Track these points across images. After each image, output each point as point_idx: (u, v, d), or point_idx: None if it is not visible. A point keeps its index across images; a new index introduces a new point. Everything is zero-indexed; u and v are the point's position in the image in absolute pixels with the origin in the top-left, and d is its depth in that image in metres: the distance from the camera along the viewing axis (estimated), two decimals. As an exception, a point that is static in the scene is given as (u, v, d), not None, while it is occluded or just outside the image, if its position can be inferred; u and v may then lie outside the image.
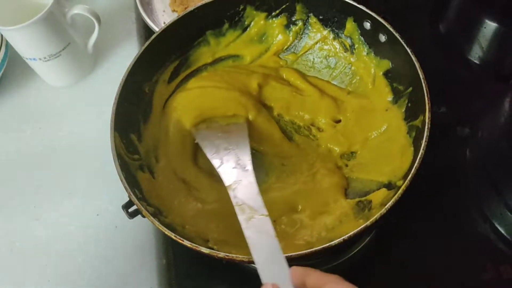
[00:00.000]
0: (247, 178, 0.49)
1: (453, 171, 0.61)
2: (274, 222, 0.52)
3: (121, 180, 0.48)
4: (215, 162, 0.52)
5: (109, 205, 0.61)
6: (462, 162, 0.62)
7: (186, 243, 0.44)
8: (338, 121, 0.58)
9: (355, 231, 0.42)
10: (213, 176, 0.56)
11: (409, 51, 0.51)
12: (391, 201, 0.43)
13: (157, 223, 0.45)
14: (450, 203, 0.59)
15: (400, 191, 0.44)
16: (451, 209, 0.59)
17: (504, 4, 0.77)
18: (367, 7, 0.56)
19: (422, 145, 0.46)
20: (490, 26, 0.73)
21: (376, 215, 0.43)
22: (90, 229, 0.60)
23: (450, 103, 0.66)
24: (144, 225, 0.57)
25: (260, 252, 0.40)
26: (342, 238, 0.42)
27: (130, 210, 0.48)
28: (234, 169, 0.50)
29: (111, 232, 0.59)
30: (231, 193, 0.47)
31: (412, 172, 0.45)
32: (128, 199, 0.48)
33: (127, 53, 0.74)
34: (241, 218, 0.44)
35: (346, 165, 0.56)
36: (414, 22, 0.77)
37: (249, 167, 0.50)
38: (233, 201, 0.46)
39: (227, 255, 0.43)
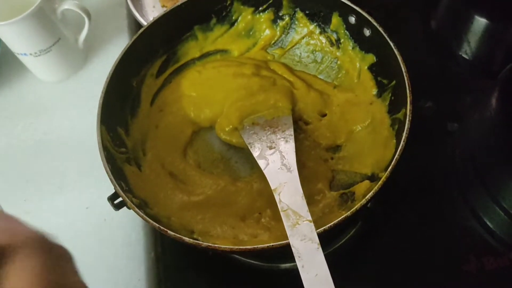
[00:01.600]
0: (292, 180, 0.48)
1: (441, 165, 0.62)
2: (259, 214, 0.52)
3: (107, 173, 0.48)
4: (261, 163, 0.51)
5: (98, 198, 0.61)
6: (450, 156, 0.63)
7: (170, 233, 0.44)
8: (324, 115, 0.59)
9: (335, 221, 0.43)
10: (201, 169, 0.57)
11: (392, 45, 0.52)
12: (372, 191, 0.44)
13: (141, 214, 0.46)
14: (437, 197, 0.59)
15: (380, 182, 0.44)
16: (438, 203, 0.59)
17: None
18: (352, 2, 0.56)
19: (403, 137, 0.46)
20: (478, 21, 0.73)
21: (357, 205, 0.43)
22: (79, 222, 0.60)
23: (438, 98, 0.66)
24: (132, 218, 0.58)
25: (308, 268, 0.40)
26: (323, 228, 0.43)
27: (116, 201, 0.49)
28: (279, 170, 0.50)
29: (99, 225, 0.60)
30: (276, 197, 0.47)
31: (392, 163, 0.45)
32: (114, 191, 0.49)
33: (118, 48, 0.73)
34: (286, 224, 0.44)
35: (332, 158, 0.56)
36: (405, 17, 0.77)
37: (294, 167, 0.50)
38: (279, 205, 0.46)
39: (210, 245, 0.44)
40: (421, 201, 0.59)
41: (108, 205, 0.50)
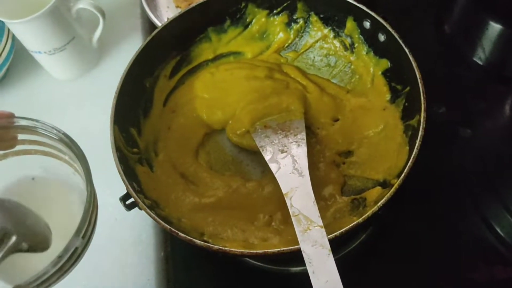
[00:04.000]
0: (304, 185, 0.48)
1: (452, 172, 0.61)
2: (270, 217, 0.52)
3: (119, 173, 0.49)
4: (273, 167, 0.51)
5: (109, 197, 0.61)
6: (462, 162, 0.62)
7: (181, 235, 0.44)
8: (337, 120, 0.59)
9: (347, 227, 0.43)
10: (212, 171, 0.57)
11: (407, 50, 0.52)
12: (384, 198, 0.44)
13: (153, 215, 0.46)
14: (449, 203, 0.59)
15: (393, 189, 0.44)
16: (449, 209, 0.59)
17: (508, 6, 0.76)
18: (371, 7, 0.56)
19: (416, 144, 0.46)
20: (493, 27, 0.73)
21: (368, 212, 0.43)
22: (90, 220, 0.61)
23: (451, 103, 0.66)
24: (143, 218, 0.58)
25: (318, 274, 0.40)
26: (334, 234, 0.43)
27: (127, 202, 0.49)
28: (291, 175, 0.50)
29: (110, 224, 0.60)
30: (288, 201, 0.47)
31: (405, 171, 0.45)
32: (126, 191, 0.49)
33: (131, 47, 0.74)
34: (297, 230, 0.44)
35: (343, 163, 0.56)
36: (419, 22, 0.77)
37: (306, 172, 0.49)
38: (290, 210, 0.46)
39: (220, 248, 0.44)
40: (431, 207, 0.58)
41: (119, 205, 0.50)
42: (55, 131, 0.44)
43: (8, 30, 0.71)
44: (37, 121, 0.45)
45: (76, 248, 0.39)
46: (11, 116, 0.45)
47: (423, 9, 0.79)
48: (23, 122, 0.45)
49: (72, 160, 0.46)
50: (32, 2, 0.65)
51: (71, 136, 0.45)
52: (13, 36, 0.71)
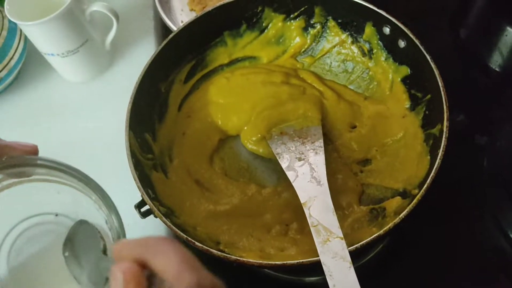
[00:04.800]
0: (322, 194, 0.47)
1: (469, 180, 0.60)
2: (286, 226, 0.52)
3: (135, 180, 0.48)
4: (290, 175, 0.50)
5: (122, 202, 0.60)
6: (479, 171, 0.61)
7: (198, 245, 0.43)
8: (354, 126, 0.58)
9: (367, 239, 0.42)
10: (227, 177, 0.56)
11: (428, 58, 0.50)
12: (406, 210, 0.43)
13: (169, 223, 0.45)
14: (466, 213, 0.58)
15: (415, 200, 0.43)
16: (466, 219, 0.58)
17: (526, 11, 0.75)
18: (386, 11, 0.55)
19: (439, 155, 0.45)
20: (511, 33, 0.72)
21: (390, 224, 0.42)
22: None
23: (468, 110, 0.65)
24: (156, 225, 0.57)
25: (339, 287, 0.39)
26: (355, 246, 0.42)
27: (142, 209, 0.48)
28: (309, 183, 0.49)
29: (123, 230, 0.59)
30: (306, 211, 0.46)
31: (428, 182, 0.44)
32: (141, 198, 0.48)
33: (144, 50, 0.74)
34: (316, 241, 0.43)
35: (361, 171, 0.55)
36: (434, 26, 0.76)
37: (324, 180, 0.48)
38: (309, 220, 0.45)
39: (238, 259, 0.43)
40: (450, 217, 0.57)
41: (131, 210, 0.49)
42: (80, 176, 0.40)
43: (21, 31, 0.70)
44: (60, 164, 0.41)
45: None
46: (33, 151, 0.42)
47: (437, 13, 0.77)
48: (44, 163, 0.41)
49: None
50: (45, 4, 0.64)
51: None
52: (26, 37, 0.71)
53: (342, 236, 0.43)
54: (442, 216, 0.57)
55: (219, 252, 0.43)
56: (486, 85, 0.70)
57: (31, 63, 0.74)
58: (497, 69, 0.70)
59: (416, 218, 0.55)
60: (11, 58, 0.69)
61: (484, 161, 0.62)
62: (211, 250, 0.43)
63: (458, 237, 0.56)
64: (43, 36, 0.64)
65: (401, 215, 0.43)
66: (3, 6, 0.64)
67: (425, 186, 0.44)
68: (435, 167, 0.44)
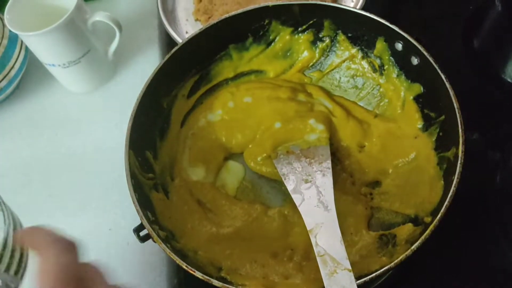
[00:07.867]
0: (330, 220, 0.45)
1: (482, 199, 0.58)
2: (292, 251, 0.49)
3: (134, 203, 0.46)
4: (296, 198, 0.48)
5: (122, 220, 0.60)
6: (491, 188, 0.59)
7: (198, 274, 0.42)
8: (363, 146, 0.55)
9: (377, 272, 0.40)
10: (231, 198, 0.54)
11: (443, 77, 0.48)
12: (419, 241, 0.41)
13: (168, 250, 0.43)
14: (478, 233, 0.56)
15: (428, 231, 0.41)
16: (479, 240, 0.55)
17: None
18: (399, 26, 0.53)
19: (454, 181, 0.43)
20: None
21: (401, 257, 0.40)
22: (101, 243, 0.58)
23: (481, 125, 0.62)
24: (156, 244, 0.56)
25: None
26: (363, 280, 0.40)
27: (141, 233, 0.46)
28: (316, 208, 0.47)
29: (123, 248, 0.57)
30: (312, 239, 0.44)
31: (442, 210, 0.42)
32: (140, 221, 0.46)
33: (148, 60, 0.72)
34: (323, 272, 0.41)
35: (370, 194, 0.53)
36: (446, 38, 0.73)
37: (332, 206, 0.46)
38: (315, 250, 0.43)
39: None
40: (461, 239, 0.55)
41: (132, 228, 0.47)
42: None
43: (21, 41, 0.69)
44: None
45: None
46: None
47: (448, 21, 0.75)
48: None
49: None
50: (46, 14, 0.63)
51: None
52: (26, 47, 0.69)
53: (350, 268, 0.41)
54: (453, 239, 0.54)
55: (220, 283, 0.41)
56: (500, 98, 0.67)
57: (32, 73, 0.73)
58: (511, 82, 0.67)
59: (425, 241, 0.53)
60: (12, 68, 0.68)
61: (497, 178, 0.60)
62: (212, 280, 0.41)
63: (471, 261, 0.54)
64: (44, 46, 0.63)
65: (413, 246, 0.40)
66: (3, 13, 0.62)
67: (439, 215, 0.42)
68: (449, 195, 0.42)
